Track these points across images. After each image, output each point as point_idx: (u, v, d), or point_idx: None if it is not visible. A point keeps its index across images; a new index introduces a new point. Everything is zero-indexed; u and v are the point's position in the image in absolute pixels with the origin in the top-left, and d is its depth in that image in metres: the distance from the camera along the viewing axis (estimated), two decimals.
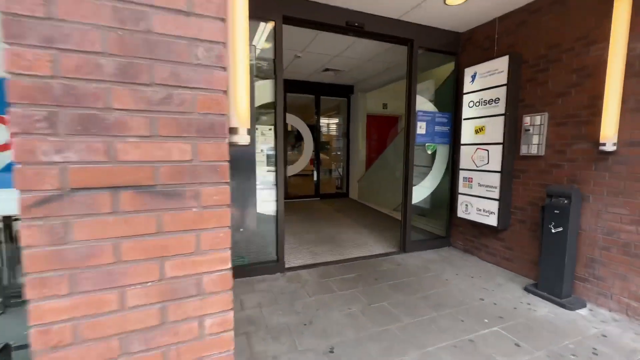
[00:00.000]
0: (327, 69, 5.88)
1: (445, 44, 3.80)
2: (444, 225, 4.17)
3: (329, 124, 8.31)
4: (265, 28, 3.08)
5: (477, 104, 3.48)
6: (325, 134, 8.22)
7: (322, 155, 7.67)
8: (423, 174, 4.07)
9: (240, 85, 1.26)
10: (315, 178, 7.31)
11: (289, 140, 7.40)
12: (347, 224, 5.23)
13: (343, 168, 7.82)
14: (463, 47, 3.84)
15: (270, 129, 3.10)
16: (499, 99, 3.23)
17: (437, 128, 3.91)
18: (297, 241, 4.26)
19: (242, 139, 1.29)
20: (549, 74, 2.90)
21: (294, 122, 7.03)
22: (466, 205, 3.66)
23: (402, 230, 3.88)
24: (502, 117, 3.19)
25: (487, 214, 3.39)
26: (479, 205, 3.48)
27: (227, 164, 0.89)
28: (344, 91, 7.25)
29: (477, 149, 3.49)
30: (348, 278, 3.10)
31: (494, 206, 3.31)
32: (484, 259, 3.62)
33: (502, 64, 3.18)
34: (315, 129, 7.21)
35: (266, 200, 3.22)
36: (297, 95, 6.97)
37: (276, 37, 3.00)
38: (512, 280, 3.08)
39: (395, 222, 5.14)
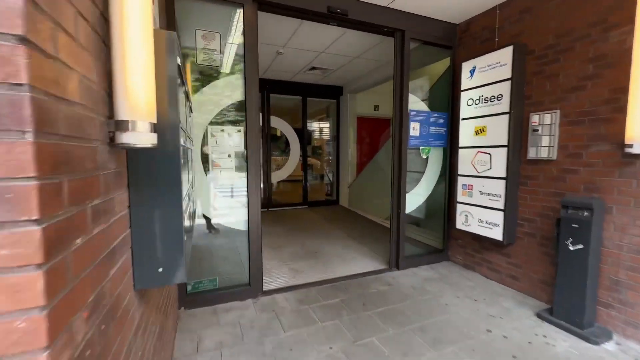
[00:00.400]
0: (313, 68, 5.48)
1: (440, 37, 3.41)
2: (440, 236, 3.75)
3: (318, 127, 7.88)
4: (239, 17, 2.65)
5: (477, 101, 3.09)
6: (314, 137, 7.79)
7: (310, 160, 7.23)
8: (415, 180, 3.66)
9: (134, 52, 0.81)
10: (303, 184, 6.85)
11: (276, 145, 6.94)
12: (335, 235, 4.78)
13: (333, 174, 7.39)
14: (460, 39, 3.46)
15: (239, 131, 2.65)
16: (501, 96, 2.84)
17: (432, 129, 3.51)
18: (277, 256, 3.79)
19: (143, 138, 0.84)
20: (560, 66, 2.52)
21: (279, 125, 6.59)
22: (466, 215, 3.24)
23: (394, 244, 3.44)
24: (506, 116, 2.79)
25: (491, 226, 2.97)
26: (481, 216, 3.07)
27: (32, 183, 0.45)
28: (333, 92, 6.85)
29: (478, 152, 3.09)
30: (332, 304, 2.64)
31: (498, 217, 2.89)
32: (486, 276, 3.20)
33: (505, 55, 2.79)
34: (302, 132, 6.78)
35: (238, 212, 2.76)
36: (283, 97, 6.55)
37: (245, 24, 2.57)
38: (521, 304, 2.66)
39: (387, 233, 4.69)
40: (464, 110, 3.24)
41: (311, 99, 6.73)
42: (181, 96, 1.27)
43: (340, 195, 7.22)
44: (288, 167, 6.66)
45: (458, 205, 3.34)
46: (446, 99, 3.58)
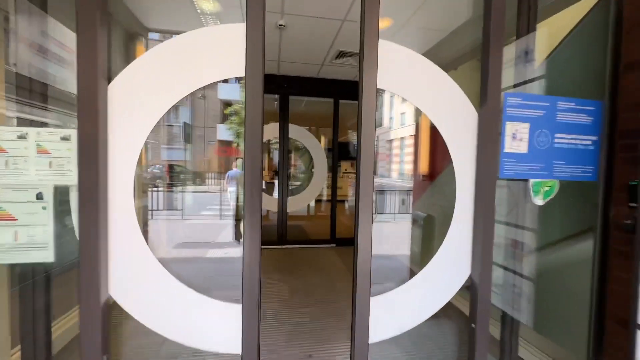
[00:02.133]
0: (341, 54, 3.86)
1: None
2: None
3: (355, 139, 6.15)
4: None
5: None
6: (350, 153, 6.05)
7: (343, 182, 5.52)
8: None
9: None
10: (330, 216, 5.14)
11: (295, 162, 5.43)
12: None
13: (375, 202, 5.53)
14: None
15: (66, 139, 1.13)
16: None
17: (559, 140, 1.56)
18: None
19: None
20: None
21: (299, 136, 5.06)
22: None
23: None
24: None
25: None
26: None
27: None
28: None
29: None
30: None
31: None
32: None
33: None
34: (332, 146, 5.14)
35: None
36: (308, 100, 5.04)
37: None
38: None
39: (454, 314, 2.67)
40: None
41: (346, 101, 5.08)
42: None
43: None
44: (310, 193, 5.07)
45: None
46: (591, 74, 1.60)
